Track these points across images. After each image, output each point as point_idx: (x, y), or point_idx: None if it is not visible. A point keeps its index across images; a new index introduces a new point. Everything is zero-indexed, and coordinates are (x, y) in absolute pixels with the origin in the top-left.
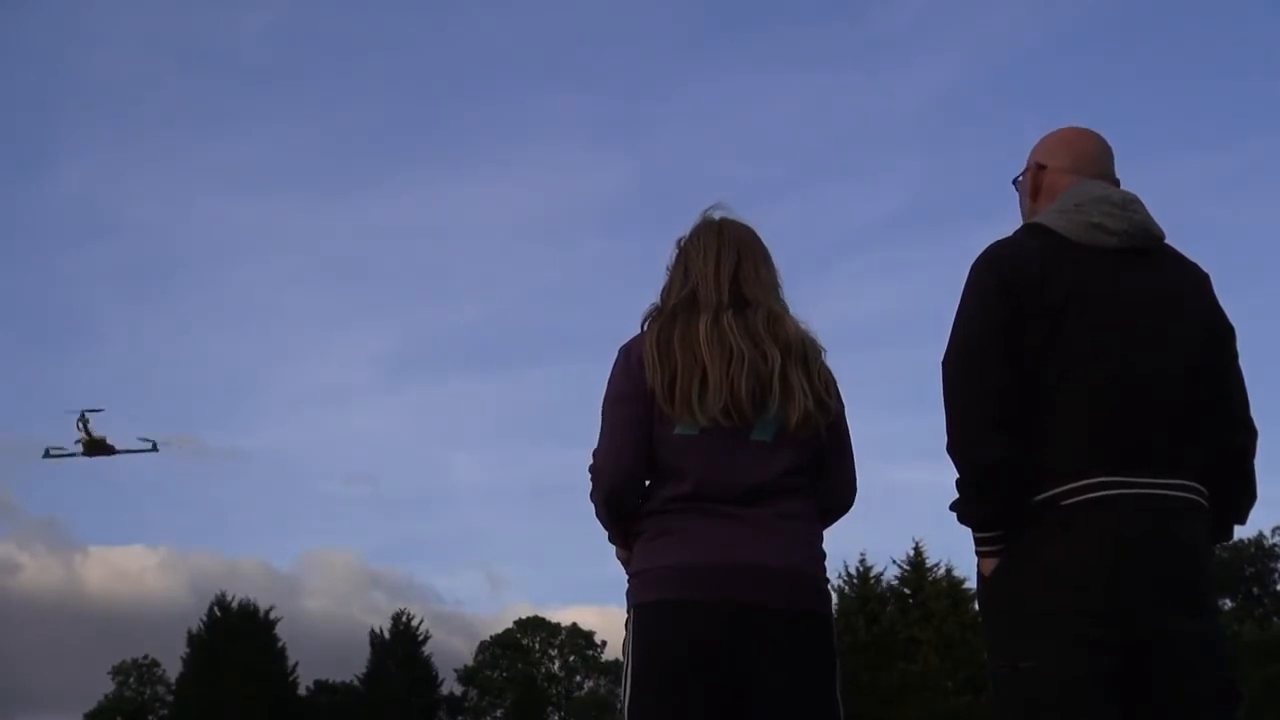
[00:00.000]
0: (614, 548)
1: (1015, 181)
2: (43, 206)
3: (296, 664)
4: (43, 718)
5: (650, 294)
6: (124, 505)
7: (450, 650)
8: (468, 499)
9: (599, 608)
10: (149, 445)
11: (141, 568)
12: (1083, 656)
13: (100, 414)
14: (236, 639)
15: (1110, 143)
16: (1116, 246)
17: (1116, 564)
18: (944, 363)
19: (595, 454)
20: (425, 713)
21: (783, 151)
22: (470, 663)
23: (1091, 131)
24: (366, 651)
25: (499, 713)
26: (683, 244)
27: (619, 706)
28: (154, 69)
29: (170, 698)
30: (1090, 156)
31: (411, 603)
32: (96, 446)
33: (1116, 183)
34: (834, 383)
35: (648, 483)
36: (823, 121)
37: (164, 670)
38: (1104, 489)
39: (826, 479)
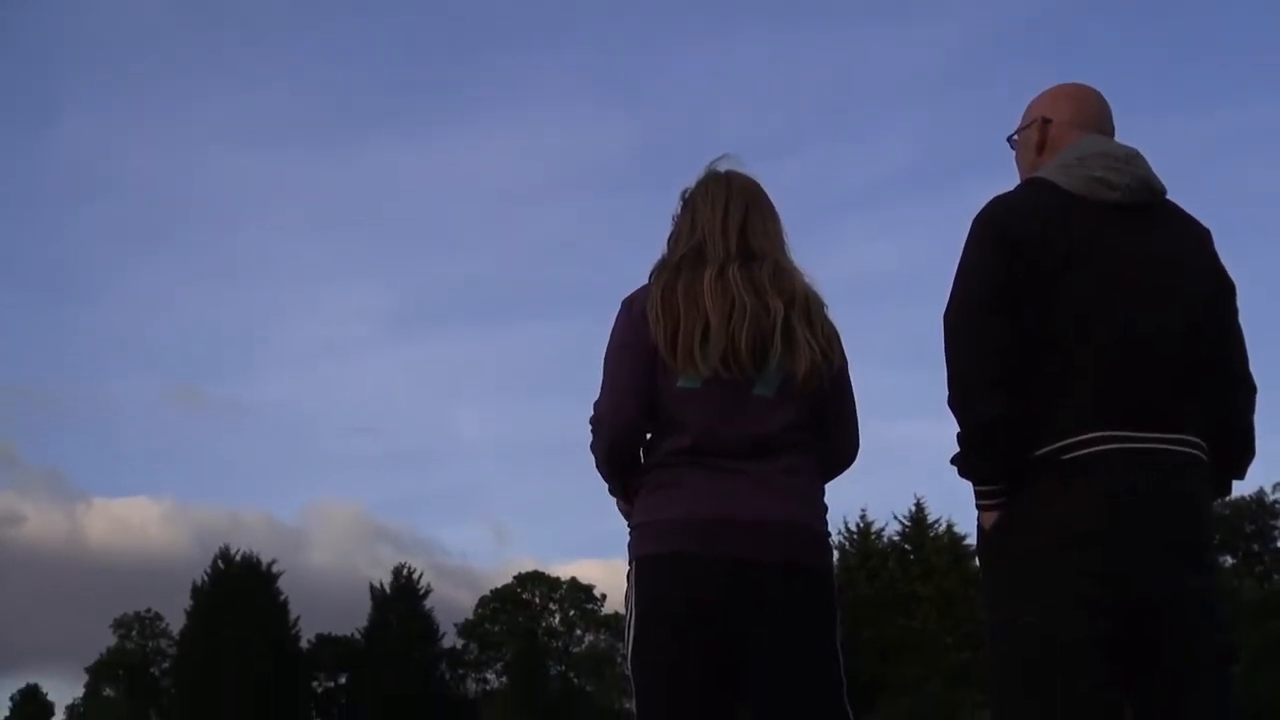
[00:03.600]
0: (616, 500)
1: (1010, 139)
2: (46, 161)
3: (299, 617)
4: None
5: (649, 249)
6: (127, 456)
7: (456, 604)
8: (471, 452)
9: (603, 560)
10: None
11: (144, 519)
12: (1082, 618)
13: None
14: (239, 592)
15: (1114, 102)
16: (1118, 201)
17: (1116, 521)
18: (945, 319)
19: (596, 405)
20: (425, 666)
21: (785, 109)
22: (471, 616)
23: (1091, 87)
24: (369, 605)
25: (499, 666)
26: (689, 195)
27: (620, 660)
28: (157, 21)
29: (172, 650)
30: (1093, 112)
31: (417, 556)
32: None
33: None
34: (837, 337)
35: (649, 436)
36: (826, 79)
37: (166, 623)
38: (1104, 444)
39: (829, 434)
